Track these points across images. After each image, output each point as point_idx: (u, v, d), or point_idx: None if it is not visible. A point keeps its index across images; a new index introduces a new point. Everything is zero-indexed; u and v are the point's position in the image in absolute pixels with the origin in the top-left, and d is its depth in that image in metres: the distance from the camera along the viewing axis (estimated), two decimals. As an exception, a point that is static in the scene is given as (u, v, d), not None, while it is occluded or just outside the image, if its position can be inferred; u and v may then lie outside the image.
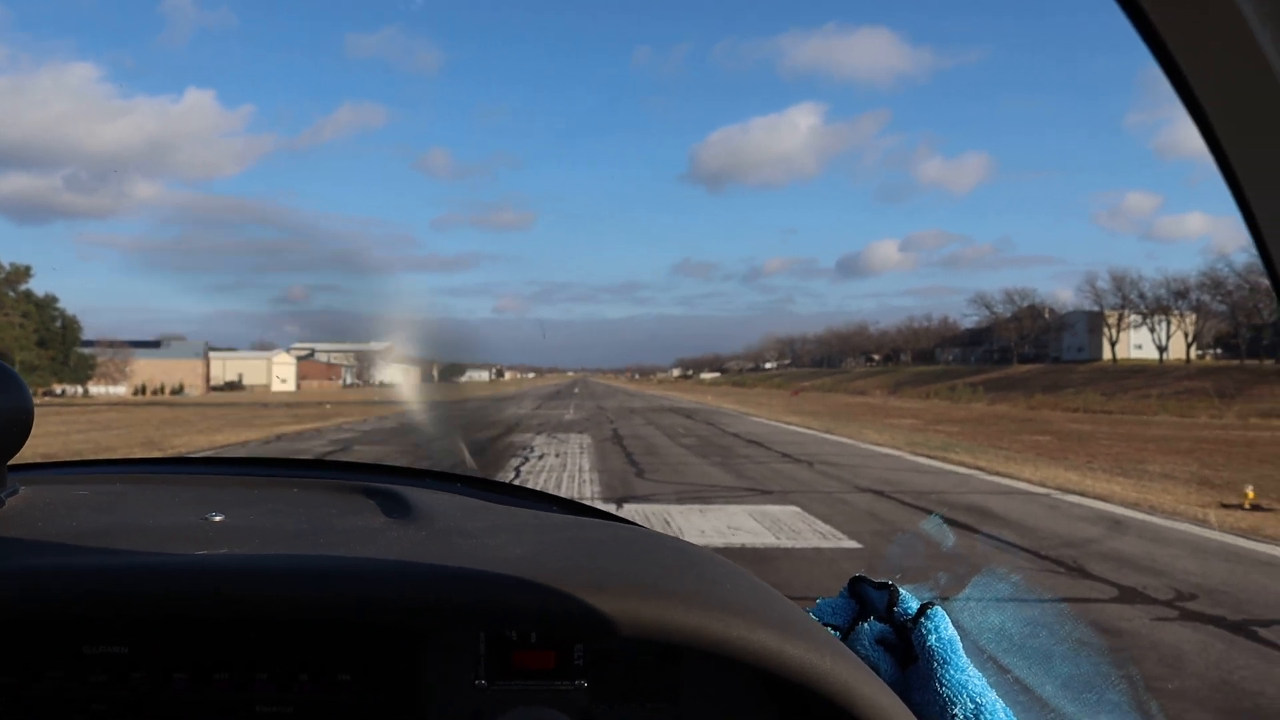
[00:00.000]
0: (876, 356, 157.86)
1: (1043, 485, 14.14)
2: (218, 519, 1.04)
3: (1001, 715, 0.87)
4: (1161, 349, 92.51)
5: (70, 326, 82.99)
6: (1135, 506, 11.93)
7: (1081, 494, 13.12)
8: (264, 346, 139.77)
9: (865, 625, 0.97)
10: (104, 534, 0.95)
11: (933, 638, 0.92)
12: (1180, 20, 0.55)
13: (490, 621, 0.89)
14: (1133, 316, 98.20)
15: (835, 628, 0.99)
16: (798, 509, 11.43)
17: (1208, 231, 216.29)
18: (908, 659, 0.93)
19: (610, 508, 10.41)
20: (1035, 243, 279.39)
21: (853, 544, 9.18)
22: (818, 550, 8.85)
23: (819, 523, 10.43)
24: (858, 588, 1.04)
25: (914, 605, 0.97)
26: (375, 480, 1.32)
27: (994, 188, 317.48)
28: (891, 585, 1.01)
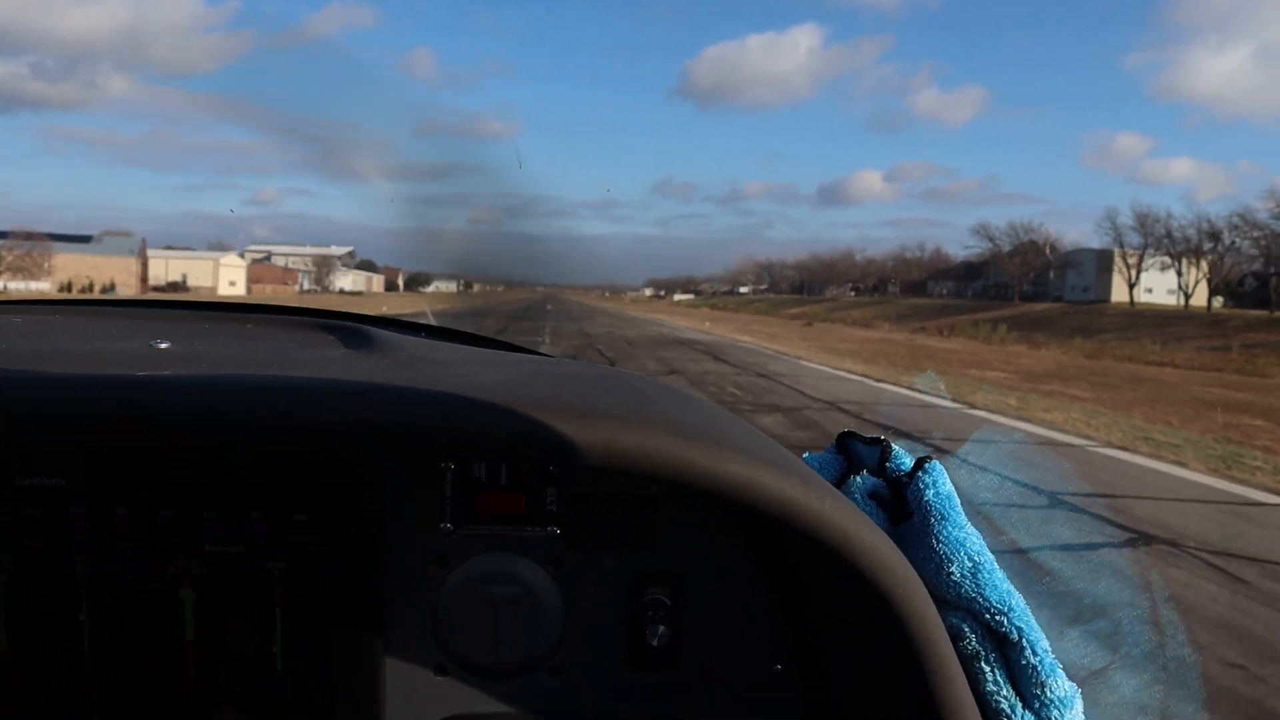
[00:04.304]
0: (861, 285, 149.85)
1: None
2: (163, 346, 0.96)
3: (1000, 576, 0.82)
4: (1187, 294, 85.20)
5: (-31, 211, 72.26)
6: None
7: None
8: (222, 248, 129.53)
9: (857, 479, 0.91)
10: (35, 357, 0.87)
11: (930, 493, 0.85)
12: None
13: (462, 448, 0.81)
14: (1149, 259, 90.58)
15: None
16: None
17: (1193, 178, 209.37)
18: (900, 515, 0.88)
19: None
20: (1021, 181, 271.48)
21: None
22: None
23: None
24: (846, 443, 0.96)
25: (908, 461, 0.91)
26: (334, 319, 1.25)
27: (988, 123, 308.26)
28: (884, 440, 0.94)
